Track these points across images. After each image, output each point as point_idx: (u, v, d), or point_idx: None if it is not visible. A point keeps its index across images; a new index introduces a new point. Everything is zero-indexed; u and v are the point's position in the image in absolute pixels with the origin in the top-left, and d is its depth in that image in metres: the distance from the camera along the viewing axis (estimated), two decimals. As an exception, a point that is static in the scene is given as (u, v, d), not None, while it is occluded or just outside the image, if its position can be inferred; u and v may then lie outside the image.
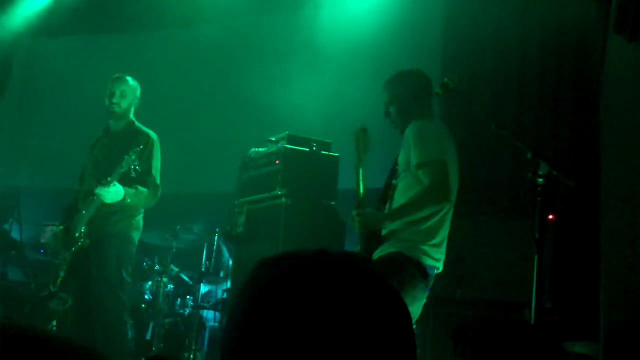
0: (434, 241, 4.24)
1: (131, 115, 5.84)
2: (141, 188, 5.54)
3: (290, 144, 5.85)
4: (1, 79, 10.11)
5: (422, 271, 4.20)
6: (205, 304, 7.26)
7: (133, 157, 5.34)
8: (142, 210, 5.77)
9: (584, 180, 5.57)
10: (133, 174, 5.38)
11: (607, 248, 4.65)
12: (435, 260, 4.26)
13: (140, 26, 9.41)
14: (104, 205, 5.45)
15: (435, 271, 4.30)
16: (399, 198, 4.33)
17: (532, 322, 3.44)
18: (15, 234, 8.31)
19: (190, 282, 7.40)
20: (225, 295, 7.25)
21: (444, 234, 4.31)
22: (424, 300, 4.26)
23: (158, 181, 5.69)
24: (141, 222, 5.75)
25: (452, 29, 7.26)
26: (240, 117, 8.34)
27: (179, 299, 7.30)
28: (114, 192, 5.37)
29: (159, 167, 5.73)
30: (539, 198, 3.54)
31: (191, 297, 7.26)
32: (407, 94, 4.44)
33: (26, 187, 9.17)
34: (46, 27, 9.76)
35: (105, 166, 5.62)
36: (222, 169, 7.33)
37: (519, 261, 4.92)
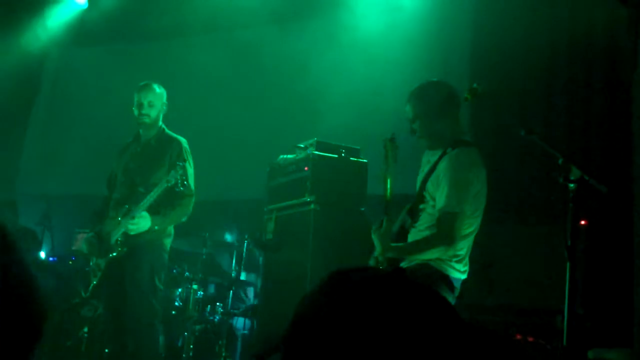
0: (458, 258, 4.22)
1: (160, 122, 5.86)
2: (170, 211, 5.54)
3: (319, 151, 5.85)
4: (31, 88, 10.22)
5: (449, 284, 4.18)
6: (235, 311, 7.28)
7: (180, 172, 5.31)
8: None
9: (616, 185, 5.52)
10: (182, 188, 5.37)
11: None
12: (461, 272, 4.23)
13: (168, 34, 9.46)
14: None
15: (461, 281, 4.27)
16: (421, 224, 4.31)
17: (565, 328, 3.41)
18: (46, 242, 8.39)
19: (225, 283, 7.41)
20: (255, 302, 7.26)
21: (468, 250, 4.28)
22: None
23: (193, 187, 5.66)
24: (172, 229, 5.76)
25: (481, 34, 7.24)
26: (268, 124, 8.36)
27: (209, 306, 7.32)
28: (138, 225, 5.38)
29: (193, 172, 5.72)
30: (570, 204, 3.51)
31: (221, 304, 7.28)
32: (431, 109, 4.28)
33: (57, 195, 9.25)
34: (75, 37, 9.86)
35: (139, 175, 5.63)
36: (251, 176, 7.35)
37: (551, 267, 4.88)
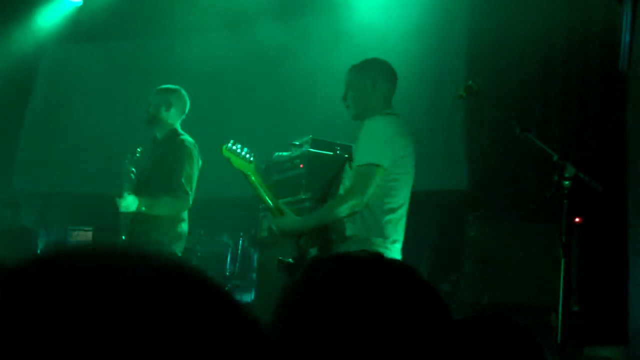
0: (393, 236, 4.18)
1: (175, 125, 5.79)
2: (163, 197, 5.46)
3: (314, 148, 5.84)
4: (26, 84, 10.20)
5: None
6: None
7: (126, 161, 5.37)
8: (185, 218, 5.70)
9: (611, 182, 5.53)
10: (133, 177, 5.38)
11: (635, 250, 4.60)
12: (397, 253, 4.20)
13: (165, 32, 9.45)
14: (136, 214, 5.42)
15: None
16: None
17: (560, 326, 3.41)
18: (41, 240, 8.37)
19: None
20: (250, 300, 7.25)
21: (400, 229, 4.25)
22: None
23: (189, 188, 5.55)
24: (184, 231, 5.66)
25: (476, 31, 7.24)
26: (263, 121, 8.35)
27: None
28: (127, 203, 5.34)
29: (192, 173, 5.59)
30: (565, 201, 3.51)
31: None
32: (368, 82, 4.35)
33: (52, 192, 9.24)
34: (71, 34, 9.84)
35: (146, 175, 5.61)
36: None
37: (546, 265, 4.88)
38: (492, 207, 6.21)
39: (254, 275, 7.22)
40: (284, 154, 6.12)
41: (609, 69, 6.31)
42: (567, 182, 3.52)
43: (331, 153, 5.86)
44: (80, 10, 9.61)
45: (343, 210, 4.06)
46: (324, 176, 5.77)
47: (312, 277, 1.16)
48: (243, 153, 4.39)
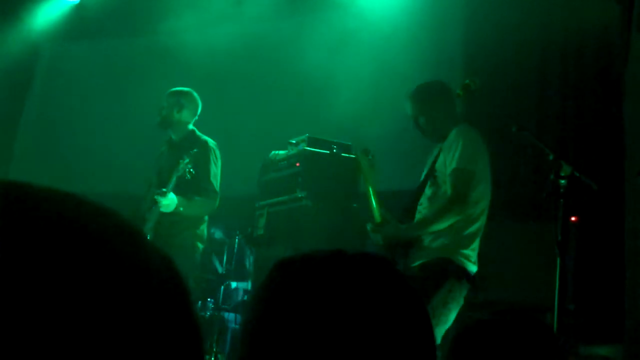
0: (473, 246, 4.24)
1: (190, 126, 5.90)
2: (196, 197, 5.55)
3: (311, 147, 5.83)
4: (23, 83, 10.17)
5: (469, 279, 4.21)
6: (226, 306, 7.25)
7: (187, 160, 5.38)
8: (206, 219, 5.78)
9: (607, 180, 5.53)
10: (188, 177, 5.40)
11: (632, 249, 4.61)
12: (475, 264, 4.27)
13: (165, 29, 9.41)
14: (165, 214, 5.46)
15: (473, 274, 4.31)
16: (428, 205, 4.32)
17: (555, 325, 3.41)
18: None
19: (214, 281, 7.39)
20: (245, 298, 7.25)
21: (478, 239, 4.32)
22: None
23: (217, 188, 5.70)
24: (205, 232, 5.76)
25: (473, 31, 7.24)
26: (260, 119, 8.34)
27: (199, 301, 7.29)
28: (168, 201, 5.38)
29: (218, 173, 5.74)
30: (561, 200, 3.52)
31: (212, 299, 7.25)
32: (436, 106, 4.45)
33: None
34: (69, 31, 9.82)
35: (167, 175, 5.65)
36: (243, 172, 7.33)
37: (542, 264, 4.88)
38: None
39: (251, 274, 7.21)
40: (281, 152, 6.11)
41: (606, 68, 6.32)
42: (563, 181, 3.53)
43: (328, 152, 5.86)
44: (78, 7, 9.59)
45: (449, 217, 4.12)
46: (321, 175, 5.78)
47: (274, 278, 1.15)
48: (371, 163, 4.47)
